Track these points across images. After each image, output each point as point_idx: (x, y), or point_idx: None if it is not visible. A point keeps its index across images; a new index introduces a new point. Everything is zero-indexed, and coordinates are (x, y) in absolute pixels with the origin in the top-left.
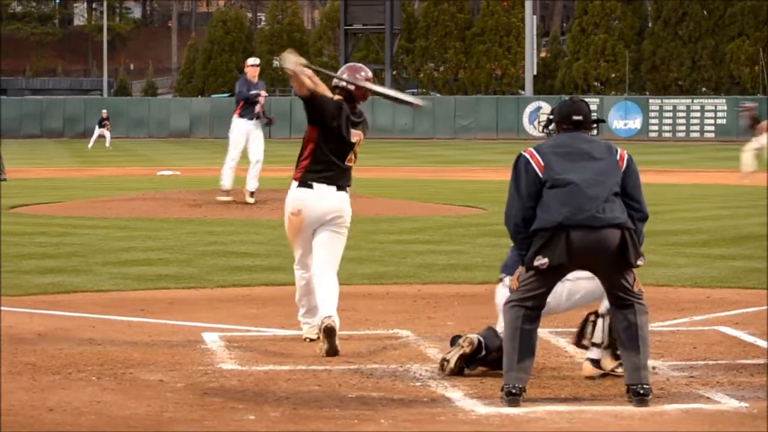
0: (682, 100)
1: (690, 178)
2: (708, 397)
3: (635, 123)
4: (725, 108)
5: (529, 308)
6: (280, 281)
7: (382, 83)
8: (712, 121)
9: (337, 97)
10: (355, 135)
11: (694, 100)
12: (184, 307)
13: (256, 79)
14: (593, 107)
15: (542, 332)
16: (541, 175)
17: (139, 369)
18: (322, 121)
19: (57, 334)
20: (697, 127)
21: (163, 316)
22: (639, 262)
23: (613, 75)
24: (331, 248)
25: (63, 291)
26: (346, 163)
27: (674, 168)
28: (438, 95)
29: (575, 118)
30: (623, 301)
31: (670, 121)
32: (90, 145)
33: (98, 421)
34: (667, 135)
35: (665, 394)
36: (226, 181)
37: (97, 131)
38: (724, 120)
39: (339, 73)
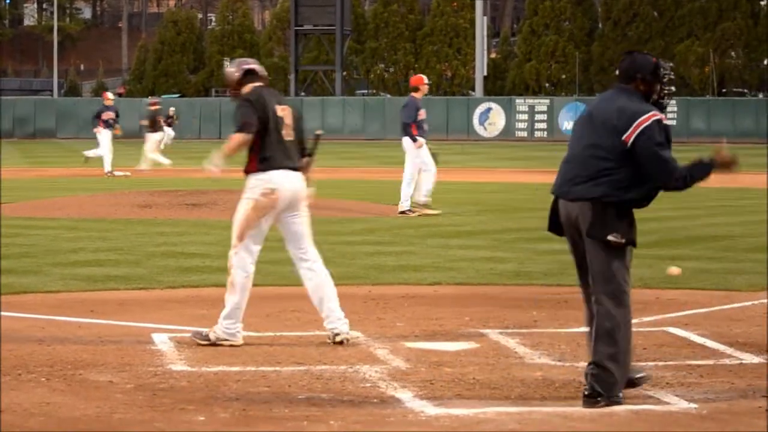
0: None
1: None
2: (658, 399)
3: None
4: (675, 109)
5: None
6: None
7: (332, 84)
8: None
9: (247, 89)
10: (282, 110)
11: None
12: (134, 308)
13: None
14: (543, 108)
15: (492, 333)
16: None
17: (89, 370)
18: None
19: (6, 335)
20: None
21: (113, 317)
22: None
23: (564, 76)
24: (311, 237)
25: (13, 292)
26: (287, 139)
27: None
28: (388, 96)
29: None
30: None
31: None
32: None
33: (48, 423)
34: None
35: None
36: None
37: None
38: (675, 121)
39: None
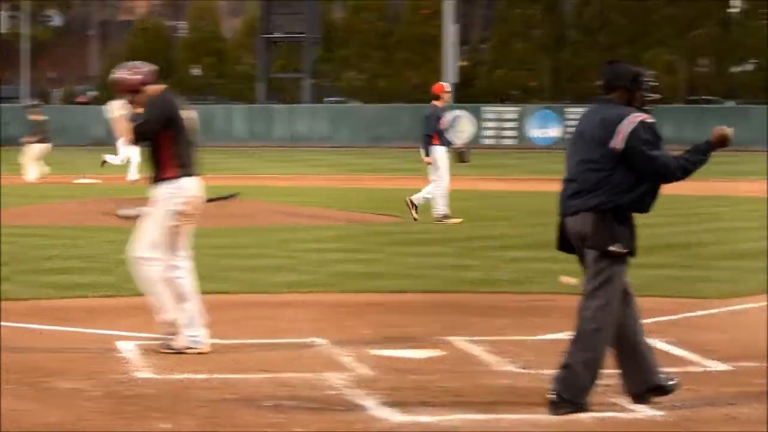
0: None
1: None
2: (623, 406)
3: (554, 131)
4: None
5: None
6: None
7: (302, 92)
8: None
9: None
10: (186, 114)
11: None
12: (101, 316)
13: None
14: (512, 116)
15: (458, 340)
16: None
17: (56, 377)
18: (167, 124)
19: None
20: None
21: (80, 325)
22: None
23: (533, 83)
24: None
25: None
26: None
27: None
28: (357, 104)
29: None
30: None
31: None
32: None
33: (15, 430)
34: None
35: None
36: None
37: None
38: None
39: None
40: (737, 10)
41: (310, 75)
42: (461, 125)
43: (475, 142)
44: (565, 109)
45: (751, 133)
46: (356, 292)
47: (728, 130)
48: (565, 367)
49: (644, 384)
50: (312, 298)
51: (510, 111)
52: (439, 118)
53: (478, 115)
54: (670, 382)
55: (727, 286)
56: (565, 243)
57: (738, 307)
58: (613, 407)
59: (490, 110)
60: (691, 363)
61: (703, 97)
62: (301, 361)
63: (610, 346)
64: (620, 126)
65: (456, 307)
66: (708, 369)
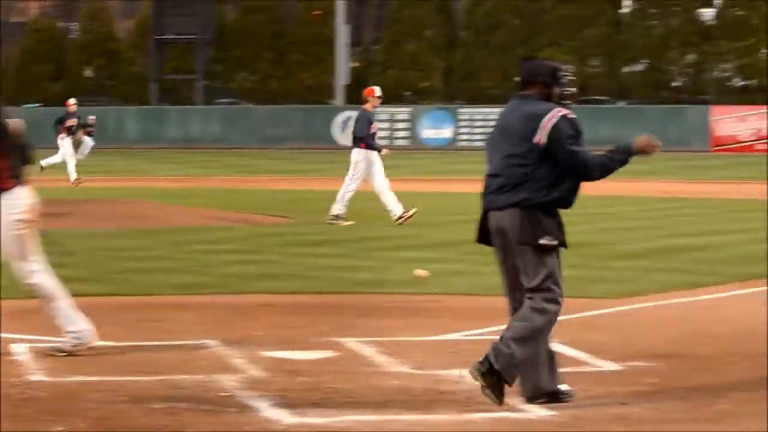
0: (494, 109)
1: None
2: (515, 406)
3: (446, 132)
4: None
5: None
6: (89, 292)
7: (194, 93)
8: None
9: None
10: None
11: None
12: None
13: None
14: (404, 117)
15: (349, 341)
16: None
17: None
18: None
19: None
20: None
21: None
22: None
23: (426, 84)
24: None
25: None
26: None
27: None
28: (250, 105)
29: (516, 79)
30: None
31: (481, 130)
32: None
33: None
34: (479, 144)
35: (473, 402)
36: None
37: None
38: None
39: None
40: (628, 10)
41: (203, 76)
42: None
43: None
44: (458, 110)
45: (646, 132)
46: (249, 294)
47: (655, 142)
48: (502, 341)
49: (541, 387)
50: (204, 300)
51: (402, 111)
52: (370, 123)
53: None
54: (566, 391)
55: (620, 287)
56: (485, 236)
57: (630, 307)
58: (506, 407)
59: (382, 111)
60: (583, 363)
61: (595, 97)
62: (193, 362)
63: None
64: (543, 121)
65: (348, 308)
66: (600, 369)
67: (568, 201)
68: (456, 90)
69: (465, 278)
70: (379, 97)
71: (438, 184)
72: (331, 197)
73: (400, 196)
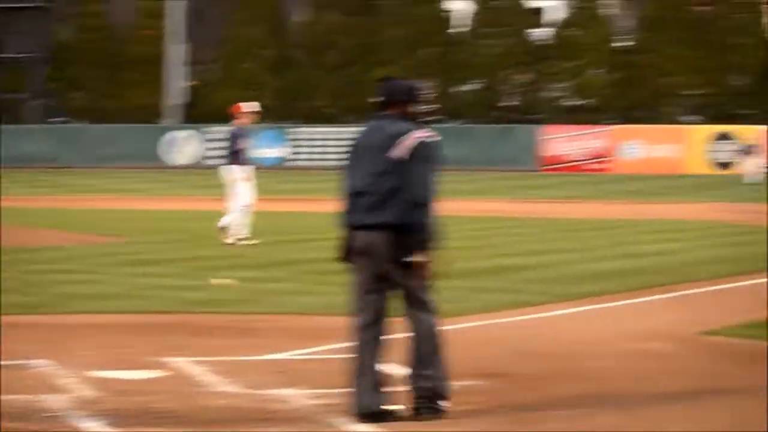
0: (328, 129)
1: (324, 206)
2: (341, 426)
3: (278, 151)
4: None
5: None
6: None
7: (28, 112)
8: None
9: None
10: None
11: (340, 129)
12: None
13: None
14: (225, 136)
15: (179, 361)
16: None
17: None
18: None
19: None
20: (337, 156)
21: None
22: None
23: (261, 103)
24: None
25: None
26: None
27: (319, 197)
28: (82, 124)
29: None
30: None
31: (315, 149)
32: None
33: None
34: (313, 163)
35: (302, 420)
36: None
37: None
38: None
39: None
40: (462, 30)
41: (38, 95)
42: (184, 145)
43: (201, 162)
44: (289, 129)
45: (477, 152)
46: (79, 313)
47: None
48: (427, 374)
49: (366, 406)
50: (34, 320)
51: (222, 131)
52: (236, 138)
53: (204, 135)
54: (393, 411)
55: (448, 306)
56: (350, 255)
57: (458, 326)
58: (332, 426)
59: (216, 130)
60: None
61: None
62: (21, 382)
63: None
64: (405, 140)
65: (179, 328)
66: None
67: (412, 216)
68: (289, 109)
69: (296, 297)
70: (250, 113)
71: (269, 203)
72: (160, 216)
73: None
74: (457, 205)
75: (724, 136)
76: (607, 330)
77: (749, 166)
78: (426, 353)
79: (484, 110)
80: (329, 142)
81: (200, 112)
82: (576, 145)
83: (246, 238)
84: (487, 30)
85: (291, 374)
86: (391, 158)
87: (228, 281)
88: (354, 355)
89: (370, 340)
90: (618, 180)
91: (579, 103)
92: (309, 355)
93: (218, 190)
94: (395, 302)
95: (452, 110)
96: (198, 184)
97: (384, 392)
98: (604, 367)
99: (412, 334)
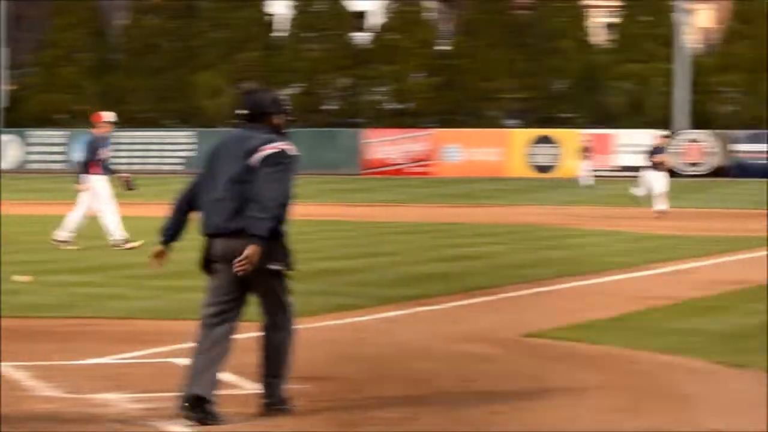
0: (150, 133)
1: (154, 210)
2: (166, 429)
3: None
4: (195, 140)
5: None
6: None
7: None
8: (180, 153)
9: None
10: None
11: (161, 132)
12: None
13: None
14: (58, 140)
15: (3, 366)
16: None
17: None
18: None
19: None
20: (165, 159)
21: None
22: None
23: (80, 107)
24: None
25: None
26: None
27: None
28: None
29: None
30: None
31: (137, 153)
32: None
33: None
34: (136, 167)
35: (126, 424)
36: None
37: None
38: (193, 152)
39: None
40: (282, 34)
41: None
42: (6, 150)
43: (23, 166)
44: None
45: (299, 156)
46: None
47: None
48: (275, 376)
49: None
50: None
51: (57, 135)
52: (97, 147)
53: (26, 140)
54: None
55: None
56: (210, 263)
57: None
58: (156, 430)
59: (37, 134)
60: (233, 386)
61: None
62: None
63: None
64: (264, 148)
65: (2, 333)
66: (250, 391)
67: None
68: (114, 112)
69: (119, 302)
70: (110, 123)
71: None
72: None
73: (51, 219)
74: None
75: (544, 140)
76: (431, 332)
77: (584, 170)
78: (279, 357)
79: (306, 114)
80: (151, 146)
81: (20, 116)
82: (398, 149)
83: (65, 242)
84: (308, 34)
85: (114, 378)
86: (249, 166)
87: (27, 278)
88: (198, 355)
89: (217, 341)
90: (440, 183)
91: (400, 107)
92: (132, 359)
93: (39, 194)
94: (252, 306)
95: None
96: (21, 188)
97: (215, 391)
98: (428, 368)
99: (266, 338)
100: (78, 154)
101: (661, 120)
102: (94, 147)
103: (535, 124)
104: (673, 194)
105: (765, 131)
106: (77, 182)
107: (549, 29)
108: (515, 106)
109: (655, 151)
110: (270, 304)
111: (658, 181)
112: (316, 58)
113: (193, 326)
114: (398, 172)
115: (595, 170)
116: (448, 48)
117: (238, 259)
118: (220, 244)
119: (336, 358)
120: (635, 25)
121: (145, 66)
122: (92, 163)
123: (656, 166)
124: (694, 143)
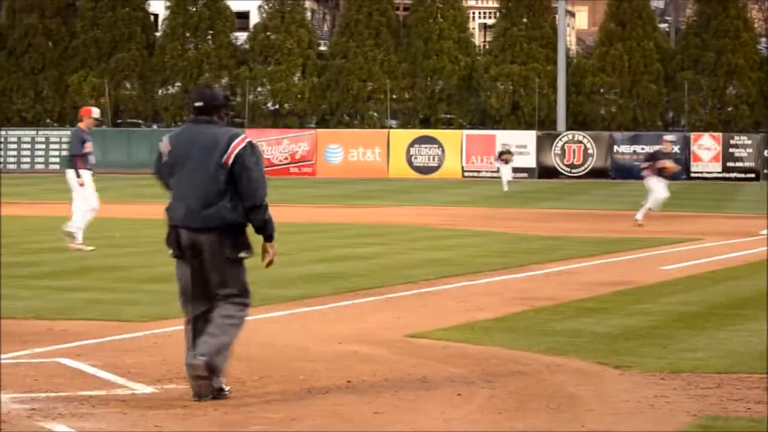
0: (27, 132)
1: (36, 210)
2: (49, 429)
3: None
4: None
5: None
6: None
7: None
8: (57, 153)
9: None
10: None
11: (39, 132)
12: None
13: None
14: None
15: None
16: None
17: None
18: None
19: None
20: (42, 159)
21: None
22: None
23: None
24: None
25: None
26: None
27: (21, 200)
28: None
29: (196, 104)
30: None
31: (13, 152)
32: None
33: None
34: (12, 167)
35: (8, 426)
36: None
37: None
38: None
39: None
40: (158, 34)
41: None
42: None
43: None
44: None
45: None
46: None
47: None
48: (206, 360)
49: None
50: None
51: None
52: (83, 141)
53: None
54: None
55: (149, 309)
56: (178, 251)
57: (162, 330)
58: (40, 431)
59: None
60: (118, 386)
61: (129, 120)
62: None
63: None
64: (231, 144)
65: None
66: (135, 391)
67: (254, 218)
68: None
69: (3, 302)
70: (96, 119)
71: None
72: None
73: None
74: (147, 209)
75: (425, 140)
76: (314, 333)
77: (504, 174)
78: (223, 345)
79: (184, 113)
80: (36, 144)
81: None
82: (278, 149)
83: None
84: (188, 34)
85: None
86: (216, 162)
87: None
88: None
89: (196, 330)
90: (321, 184)
91: (279, 107)
92: (16, 359)
93: None
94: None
95: (154, 114)
96: None
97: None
98: (311, 369)
99: (220, 324)
100: (69, 148)
101: (541, 121)
102: (81, 141)
103: (416, 124)
104: (553, 195)
105: (643, 133)
106: (70, 177)
107: (430, 30)
108: (396, 106)
109: (656, 156)
110: (232, 289)
111: (658, 187)
112: (195, 57)
113: (77, 326)
114: (280, 172)
115: (475, 171)
116: (329, 49)
117: (267, 260)
118: (185, 236)
119: None
120: (515, 26)
121: (21, 66)
122: (79, 157)
123: (660, 172)
124: (574, 144)
